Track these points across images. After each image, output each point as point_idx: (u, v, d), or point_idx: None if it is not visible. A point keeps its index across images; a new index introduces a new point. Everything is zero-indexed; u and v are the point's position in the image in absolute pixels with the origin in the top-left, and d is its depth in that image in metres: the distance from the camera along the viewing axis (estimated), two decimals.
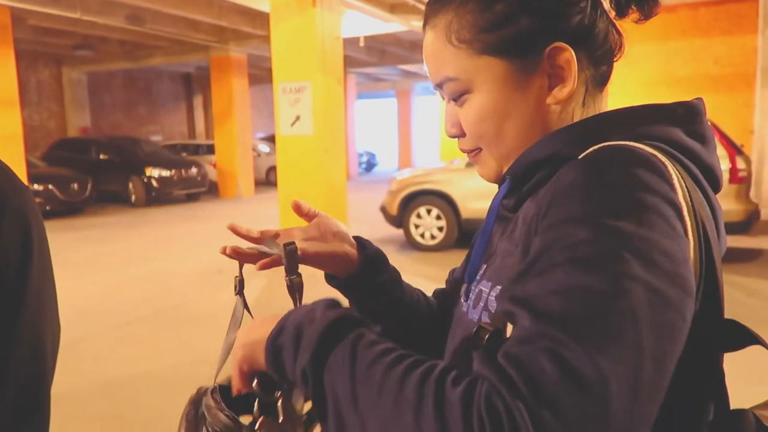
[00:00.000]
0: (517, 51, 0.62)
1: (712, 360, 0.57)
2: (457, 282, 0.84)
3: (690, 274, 0.50)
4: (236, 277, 0.77)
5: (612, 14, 0.65)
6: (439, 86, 0.67)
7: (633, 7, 0.65)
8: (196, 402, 0.69)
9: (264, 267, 0.76)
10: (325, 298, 0.61)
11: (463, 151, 0.70)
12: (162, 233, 9.16)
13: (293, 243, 0.71)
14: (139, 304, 5.14)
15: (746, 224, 5.75)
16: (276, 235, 0.78)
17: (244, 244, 0.78)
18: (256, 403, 0.63)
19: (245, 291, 0.78)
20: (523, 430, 0.42)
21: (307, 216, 0.81)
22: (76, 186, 11.06)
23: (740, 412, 0.61)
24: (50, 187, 10.49)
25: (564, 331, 0.45)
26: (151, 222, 10.33)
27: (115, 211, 11.76)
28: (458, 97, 0.66)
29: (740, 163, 5.63)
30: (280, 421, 0.62)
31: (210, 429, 0.64)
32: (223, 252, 0.75)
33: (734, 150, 5.68)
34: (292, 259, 0.70)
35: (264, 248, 0.75)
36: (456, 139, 0.70)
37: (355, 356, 0.52)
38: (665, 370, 0.47)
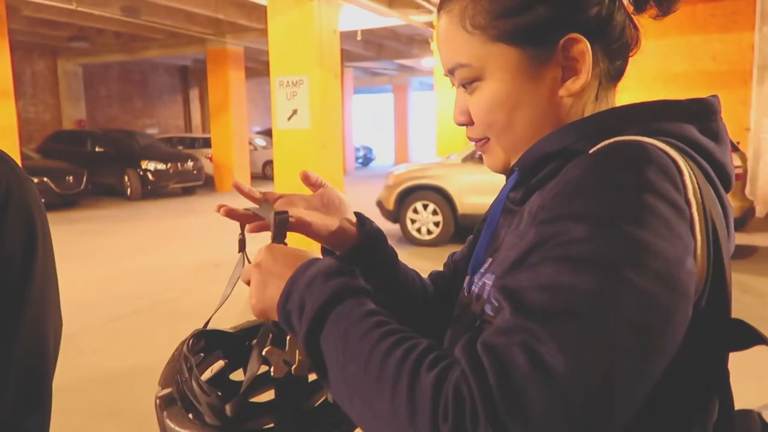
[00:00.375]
0: (531, 40, 0.60)
1: (718, 359, 0.57)
2: (456, 266, 0.83)
3: (685, 276, 0.49)
4: (239, 234, 0.76)
5: (630, 9, 0.64)
6: (451, 72, 0.66)
7: (652, 2, 0.64)
8: (184, 345, 0.73)
9: (254, 230, 0.76)
10: (327, 261, 0.61)
11: (471, 139, 0.69)
12: (158, 227, 9.13)
13: (285, 212, 0.71)
14: (135, 298, 5.14)
15: (741, 221, 5.80)
16: (279, 198, 0.77)
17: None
18: (269, 334, 0.69)
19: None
20: (482, 422, 0.42)
21: (314, 186, 0.80)
22: (71, 179, 11.02)
23: (746, 413, 0.61)
24: (45, 179, 10.45)
25: (542, 326, 0.45)
26: (146, 215, 10.31)
27: (110, 205, 11.72)
28: (469, 84, 0.64)
29: (736, 160, 5.67)
30: (285, 350, 0.67)
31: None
32: (218, 210, 0.75)
33: (731, 147, 5.71)
34: (281, 228, 0.70)
35: (260, 212, 0.75)
36: (464, 127, 0.69)
37: (348, 332, 0.53)
38: (645, 373, 0.46)
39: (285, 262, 0.63)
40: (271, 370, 0.68)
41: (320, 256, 0.66)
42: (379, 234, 0.81)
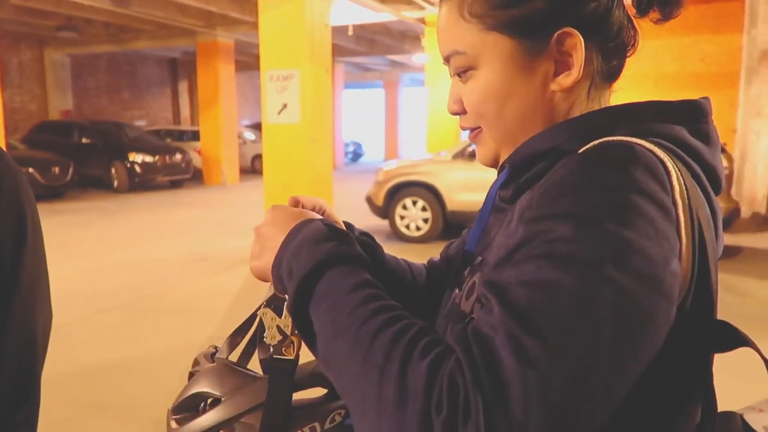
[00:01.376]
0: (526, 31, 0.61)
1: (702, 361, 0.57)
2: (450, 259, 0.83)
3: (669, 277, 0.49)
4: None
5: (632, 12, 0.64)
6: (447, 60, 0.66)
7: (655, 7, 0.64)
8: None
9: None
10: (316, 226, 0.60)
11: (464, 128, 0.69)
12: (145, 220, 9.07)
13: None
14: (122, 291, 5.10)
15: (727, 221, 5.87)
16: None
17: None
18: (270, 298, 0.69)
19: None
20: (473, 416, 0.43)
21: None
22: (57, 170, 10.91)
23: (728, 415, 0.62)
24: (31, 170, 10.32)
25: (526, 322, 0.45)
26: (133, 208, 10.23)
27: (96, 197, 11.62)
28: (463, 73, 0.65)
29: (723, 161, 5.73)
30: (281, 317, 0.66)
31: None
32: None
33: None
34: None
35: None
36: (457, 120, 0.70)
37: (336, 304, 0.54)
38: (624, 372, 0.47)
39: (282, 225, 0.63)
40: (265, 334, 0.67)
41: (319, 217, 0.66)
42: (365, 245, 0.80)
